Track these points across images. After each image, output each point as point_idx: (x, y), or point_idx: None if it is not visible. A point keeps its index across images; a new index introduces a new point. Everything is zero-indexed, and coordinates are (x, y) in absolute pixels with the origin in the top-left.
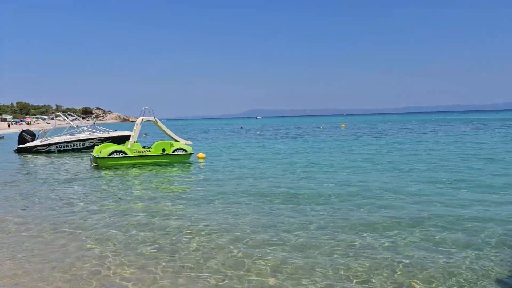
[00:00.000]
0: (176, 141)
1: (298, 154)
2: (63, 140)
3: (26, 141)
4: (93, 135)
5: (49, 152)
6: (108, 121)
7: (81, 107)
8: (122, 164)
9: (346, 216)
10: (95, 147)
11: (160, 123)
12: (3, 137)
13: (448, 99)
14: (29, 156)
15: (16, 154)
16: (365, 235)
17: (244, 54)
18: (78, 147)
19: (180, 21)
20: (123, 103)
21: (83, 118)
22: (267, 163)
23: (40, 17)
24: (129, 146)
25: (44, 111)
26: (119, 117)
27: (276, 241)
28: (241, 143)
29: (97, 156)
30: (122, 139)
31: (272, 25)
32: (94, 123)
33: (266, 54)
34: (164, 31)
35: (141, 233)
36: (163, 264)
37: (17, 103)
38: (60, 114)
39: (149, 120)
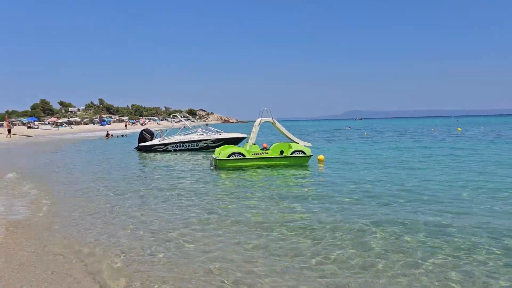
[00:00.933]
0: (295, 142)
1: (431, 163)
2: (179, 140)
3: (146, 140)
4: (206, 136)
5: (166, 151)
6: (210, 122)
7: (186, 108)
8: (240, 166)
9: None
10: (216, 148)
11: (278, 124)
12: (126, 135)
13: None
14: (149, 154)
15: (137, 152)
16: None
17: (339, 53)
18: (193, 147)
19: (274, 24)
20: (223, 105)
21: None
22: (402, 174)
23: (150, 23)
24: (247, 148)
25: (154, 112)
26: (221, 118)
27: None
28: (353, 146)
29: (217, 158)
30: (234, 141)
31: (371, 22)
32: (207, 124)
33: (362, 53)
34: (263, 35)
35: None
36: None
37: (132, 105)
38: (178, 115)
39: (267, 121)
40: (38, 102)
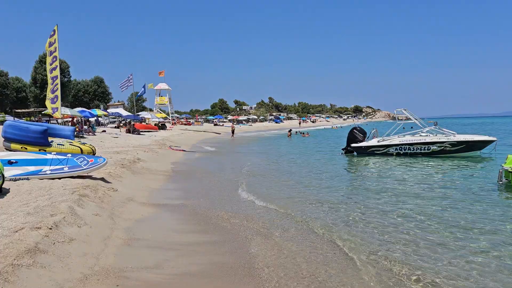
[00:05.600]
0: None
1: None
2: (405, 142)
3: (358, 140)
4: (442, 138)
5: (385, 154)
6: (377, 119)
7: (352, 105)
8: None
9: None
10: (508, 156)
11: None
12: (308, 134)
13: None
14: (368, 158)
15: (345, 155)
16: None
17: None
18: (422, 151)
19: None
20: (389, 101)
21: (354, 116)
22: None
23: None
24: None
25: (320, 110)
26: (388, 115)
27: None
28: None
29: (509, 170)
30: (478, 145)
31: None
32: (435, 124)
33: None
34: None
35: None
36: None
37: (299, 103)
38: (402, 110)
39: None
40: (217, 102)
